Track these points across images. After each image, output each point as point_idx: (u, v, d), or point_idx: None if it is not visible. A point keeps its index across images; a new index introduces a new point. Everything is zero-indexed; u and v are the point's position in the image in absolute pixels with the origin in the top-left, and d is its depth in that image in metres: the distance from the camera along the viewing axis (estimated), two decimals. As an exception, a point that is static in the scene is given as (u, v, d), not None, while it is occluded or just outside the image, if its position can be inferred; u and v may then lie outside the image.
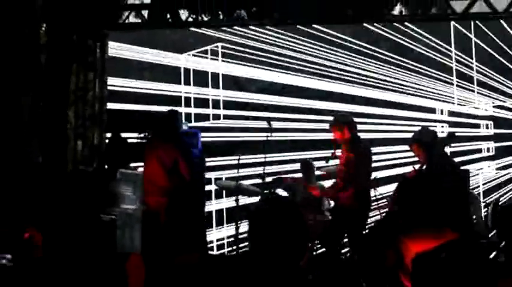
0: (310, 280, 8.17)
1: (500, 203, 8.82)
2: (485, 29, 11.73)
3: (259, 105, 12.26)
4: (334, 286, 8.03)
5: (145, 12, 10.24)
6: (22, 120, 9.68)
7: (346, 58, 12.19)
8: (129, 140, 9.81)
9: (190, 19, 10.19)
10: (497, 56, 11.89)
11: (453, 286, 6.59)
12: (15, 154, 9.43)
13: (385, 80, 12.06)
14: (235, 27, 11.43)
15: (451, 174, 7.47)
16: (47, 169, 9.60)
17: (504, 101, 11.80)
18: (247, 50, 12.32)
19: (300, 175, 9.67)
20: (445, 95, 11.96)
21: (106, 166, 9.73)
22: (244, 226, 8.91)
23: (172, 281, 7.51)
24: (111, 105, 10.65)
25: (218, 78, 12.44)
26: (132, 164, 9.42)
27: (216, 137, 11.88)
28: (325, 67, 12.23)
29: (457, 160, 8.91)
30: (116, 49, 11.56)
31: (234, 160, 9.78)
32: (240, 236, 8.93)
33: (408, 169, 8.42)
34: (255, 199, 9.81)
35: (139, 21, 10.29)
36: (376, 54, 12.14)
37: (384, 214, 8.17)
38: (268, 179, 9.19)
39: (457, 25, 11.38)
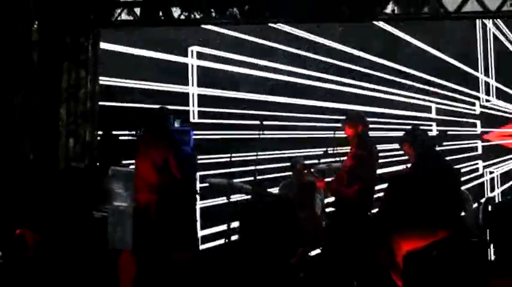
0: (301, 277, 8.22)
1: (490, 202, 8.85)
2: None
3: (251, 102, 12.25)
4: (325, 284, 8.04)
5: (137, 10, 10.24)
6: (14, 119, 9.68)
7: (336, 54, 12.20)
8: (121, 138, 9.81)
9: (182, 17, 10.19)
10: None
11: (444, 284, 6.63)
12: (6, 152, 9.43)
13: (376, 78, 12.07)
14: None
15: (442, 173, 7.49)
16: (38, 166, 9.60)
17: (488, 100, 11.84)
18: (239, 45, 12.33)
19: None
20: (435, 95, 11.98)
21: (98, 163, 9.73)
22: (235, 223, 8.91)
23: (163, 278, 7.52)
24: (103, 103, 10.62)
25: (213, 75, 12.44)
26: (124, 162, 9.42)
27: (209, 134, 11.87)
28: (316, 63, 12.24)
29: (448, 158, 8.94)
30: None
31: (226, 158, 9.80)
32: (231, 234, 8.94)
33: (399, 168, 8.45)
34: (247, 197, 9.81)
35: (132, 18, 10.28)
36: (366, 55, 12.14)
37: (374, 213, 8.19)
38: (260, 177, 9.23)
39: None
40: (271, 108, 11.98)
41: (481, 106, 11.96)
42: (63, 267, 7.59)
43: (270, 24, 11.40)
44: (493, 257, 8.44)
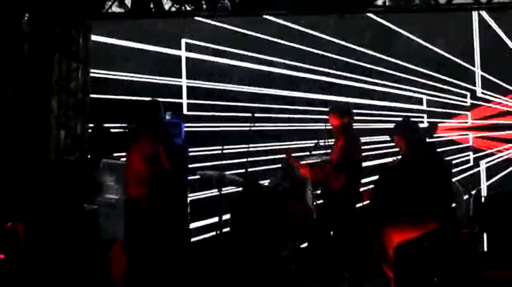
0: (292, 269, 8.23)
1: (481, 193, 8.88)
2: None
3: (242, 95, 12.23)
4: (316, 276, 8.06)
5: (128, 2, 10.22)
6: (5, 111, 9.66)
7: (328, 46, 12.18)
8: (112, 130, 9.80)
9: (173, 9, 10.17)
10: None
11: (435, 275, 6.65)
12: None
13: (367, 70, 12.06)
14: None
15: (433, 164, 7.51)
16: (29, 159, 9.58)
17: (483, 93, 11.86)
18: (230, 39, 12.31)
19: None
20: (427, 86, 11.97)
21: (89, 156, 9.71)
22: (226, 216, 8.92)
23: (154, 270, 7.52)
24: (94, 95, 10.60)
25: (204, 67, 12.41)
26: (115, 154, 9.41)
27: (200, 127, 11.85)
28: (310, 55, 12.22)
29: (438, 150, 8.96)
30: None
31: (218, 150, 9.78)
32: (222, 226, 8.95)
33: (390, 159, 8.46)
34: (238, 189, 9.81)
35: (123, 10, 10.26)
36: (358, 47, 12.13)
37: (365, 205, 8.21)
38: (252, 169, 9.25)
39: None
40: (263, 100, 11.97)
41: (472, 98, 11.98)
42: (55, 260, 7.58)
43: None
44: (484, 249, 8.47)
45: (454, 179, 9.42)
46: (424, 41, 11.78)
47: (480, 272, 6.91)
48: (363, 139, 8.93)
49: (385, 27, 11.65)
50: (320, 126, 8.91)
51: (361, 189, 8.40)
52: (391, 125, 8.07)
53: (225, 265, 7.43)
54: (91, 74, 10.38)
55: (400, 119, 8.76)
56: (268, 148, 11.58)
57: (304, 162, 8.62)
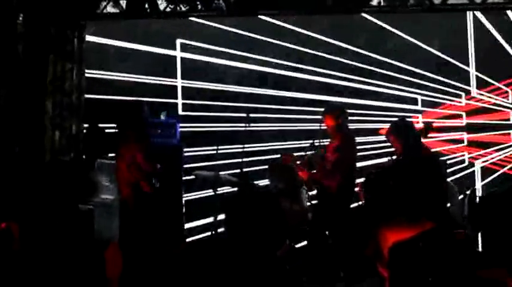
0: (287, 269, 8.23)
1: (476, 193, 8.89)
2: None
3: (237, 95, 12.25)
4: (312, 275, 8.07)
5: (123, 2, 10.21)
6: (1, 112, 9.65)
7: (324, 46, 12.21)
8: (107, 130, 9.79)
9: (168, 9, 10.17)
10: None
11: (430, 275, 6.66)
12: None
13: (362, 70, 12.09)
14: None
15: (428, 164, 7.53)
16: (24, 159, 9.57)
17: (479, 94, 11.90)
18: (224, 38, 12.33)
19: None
20: (422, 86, 12.02)
21: (84, 156, 9.71)
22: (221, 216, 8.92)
23: (150, 270, 7.52)
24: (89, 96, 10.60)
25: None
26: (110, 154, 9.40)
27: (196, 127, 11.86)
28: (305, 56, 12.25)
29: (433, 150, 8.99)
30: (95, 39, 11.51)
31: (213, 150, 9.79)
32: (217, 226, 8.95)
33: (384, 159, 8.48)
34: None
35: (118, 11, 10.25)
36: (352, 47, 12.16)
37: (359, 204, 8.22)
38: (246, 169, 9.25)
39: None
40: (257, 100, 11.99)
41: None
42: (50, 260, 7.57)
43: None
44: (479, 248, 8.48)
45: (448, 179, 9.44)
46: (419, 41, 11.82)
47: (475, 272, 6.92)
48: (358, 139, 8.95)
49: (380, 27, 11.68)
50: (315, 126, 8.91)
51: (357, 189, 8.42)
52: (386, 125, 8.08)
53: (219, 264, 7.43)
54: (86, 75, 10.37)
55: (396, 119, 8.77)
56: (264, 148, 11.60)
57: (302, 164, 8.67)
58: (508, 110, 11.83)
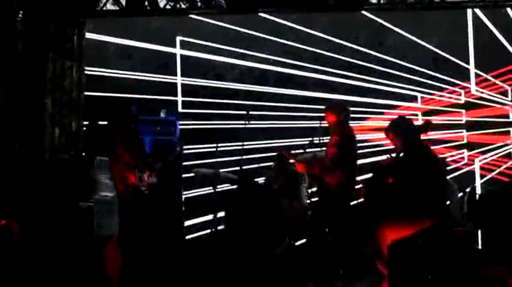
0: (287, 267, 8.23)
1: (475, 191, 8.89)
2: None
3: (237, 92, 12.26)
4: (311, 273, 8.07)
5: (123, 0, 10.21)
6: (1, 110, 9.66)
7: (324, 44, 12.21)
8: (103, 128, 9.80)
9: (168, 6, 10.18)
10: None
11: (430, 273, 6.66)
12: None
13: (362, 68, 12.09)
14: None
15: (427, 162, 7.52)
16: (24, 157, 9.57)
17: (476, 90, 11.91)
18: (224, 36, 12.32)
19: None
20: (421, 83, 12.02)
21: (84, 153, 9.71)
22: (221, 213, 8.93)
23: (149, 268, 7.52)
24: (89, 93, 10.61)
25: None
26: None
27: (195, 124, 11.87)
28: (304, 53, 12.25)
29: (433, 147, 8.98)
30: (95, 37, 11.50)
31: (212, 148, 9.79)
32: (217, 223, 8.96)
33: (384, 156, 8.48)
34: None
35: (117, 8, 10.26)
36: (352, 44, 12.17)
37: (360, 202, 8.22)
38: (246, 167, 9.27)
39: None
40: (257, 98, 12.00)
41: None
42: (49, 258, 7.58)
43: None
44: (478, 246, 8.49)
45: (448, 177, 9.44)
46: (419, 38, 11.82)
47: (474, 270, 6.92)
48: (359, 137, 8.95)
49: (380, 24, 11.68)
50: (315, 124, 8.92)
51: (357, 186, 8.43)
52: (386, 123, 8.08)
53: (219, 262, 7.43)
54: (85, 72, 10.37)
55: (395, 116, 8.78)
56: (263, 145, 11.60)
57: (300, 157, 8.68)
58: (507, 107, 11.83)
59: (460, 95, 12.02)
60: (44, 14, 9.93)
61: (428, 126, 7.86)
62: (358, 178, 8.61)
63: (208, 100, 12.17)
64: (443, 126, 11.75)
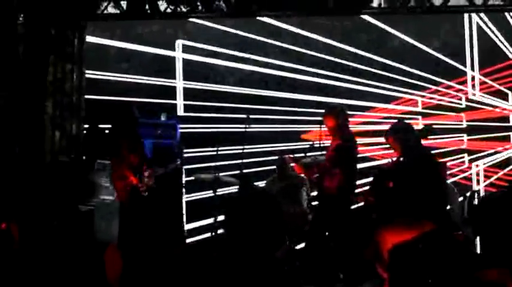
0: (286, 270, 8.24)
1: (475, 195, 8.89)
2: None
3: (237, 96, 12.26)
4: (311, 277, 8.07)
5: (124, 3, 10.21)
6: (1, 113, 9.66)
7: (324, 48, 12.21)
8: (107, 131, 9.79)
9: (168, 10, 10.17)
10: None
11: (430, 276, 6.66)
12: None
13: (361, 72, 12.10)
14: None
15: (427, 166, 7.52)
16: (24, 160, 9.57)
17: (474, 94, 11.91)
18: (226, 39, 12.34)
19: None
20: (421, 88, 12.02)
21: (84, 157, 9.71)
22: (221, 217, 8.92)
23: (149, 271, 7.52)
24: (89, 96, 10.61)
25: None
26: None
27: (196, 128, 11.87)
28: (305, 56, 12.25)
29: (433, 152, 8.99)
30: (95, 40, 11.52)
31: (213, 151, 9.78)
32: (217, 227, 8.96)
33: (384, 161, 8.48)
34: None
35: (118, 11, 10.26)
36: (351, 48, 12.17)
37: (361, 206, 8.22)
38: (246, 170, 9.28)
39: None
40: (257, 102, 12.00)
41: (467, 100, 12.02)
42: (49, 261, 7.58)
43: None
44: (478, 250, 8.49)
45: (448, 181, 9.44)
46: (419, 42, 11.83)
47: (474, 274, 6.92)
48: (359, 141, 8.94)
49: (380, 29, 11.69)
50: (315, 127, 8.91)
51: (357, 190, 8.44)
52: (386, 127, 8.08)
53: (219, 265, 7.44)
54: (86, 75, 10.37)
55: (395, 120, 8.77)
56: (264, 149, 11.61)
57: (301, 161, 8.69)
58: (507, 111, 11.84)
59: (460, 99, 12.03)
60: (44, 17, 9.93)
61: (428, 131, 7.86)
62: (358, 182, 8.61)
63: (209, 104, 12.17)
64: (443, 130, 11.75)
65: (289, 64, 12.27)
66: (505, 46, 11.79)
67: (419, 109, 12.02)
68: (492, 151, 11.79)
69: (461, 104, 12.01)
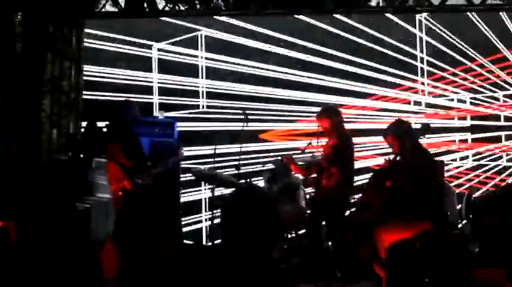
0: (282, 269, 8.23)
1: (473, 194, 8.89)
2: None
3: (236, 95, 12.24)
4: (307, 275, 8.06)
5: (122, 1, 10.22)
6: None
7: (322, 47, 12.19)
8: (105, 129, 9.78)
9: (167, 8, 10.18)
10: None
11: (427, 275, 6.66)
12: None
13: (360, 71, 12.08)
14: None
15: (425, 165, 7.52)
16: (21, 158, 9.56)
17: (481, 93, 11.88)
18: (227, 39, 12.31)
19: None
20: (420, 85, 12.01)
21: (81, 155, 9.69)
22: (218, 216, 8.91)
23: (146, 269, 7.52)
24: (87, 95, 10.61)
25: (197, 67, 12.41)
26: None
27: (194, 126, 11.85)
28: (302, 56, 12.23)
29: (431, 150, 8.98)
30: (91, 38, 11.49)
31: (211, 149, 9.77)
32: (214, 226, 8.94)
33: (382, 159, 8.47)
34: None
35: (116, 9, 10.26)
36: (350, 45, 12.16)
37: (357, 205, 8.21)
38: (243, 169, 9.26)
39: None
40: (255, 100, 11.98)
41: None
42: (46, 259, 7.57)
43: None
44: (475, 250, 8.48)
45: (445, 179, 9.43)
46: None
47: (471, 273, 6.92)
48: (355, 140, 8.92)
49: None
50: (313, 127, 8.90)
51: (354, 189, 8.44)
52: (384, 126, 8.07)
53: (216, 264, 7.43)
54: (84, 73, 10.37)
55: (393, 119, 8.77)
56: (261, 148, 11.59)
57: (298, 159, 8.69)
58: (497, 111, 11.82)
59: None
60: (42, 15, 9.93)
61: (426, 130, 7.86)
62: (355, 181, 8.61)
63: (207, 102, 12.15)
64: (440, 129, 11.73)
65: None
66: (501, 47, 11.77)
67: (413, 108, 12.01)
68: (486, 150, 11.78)
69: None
